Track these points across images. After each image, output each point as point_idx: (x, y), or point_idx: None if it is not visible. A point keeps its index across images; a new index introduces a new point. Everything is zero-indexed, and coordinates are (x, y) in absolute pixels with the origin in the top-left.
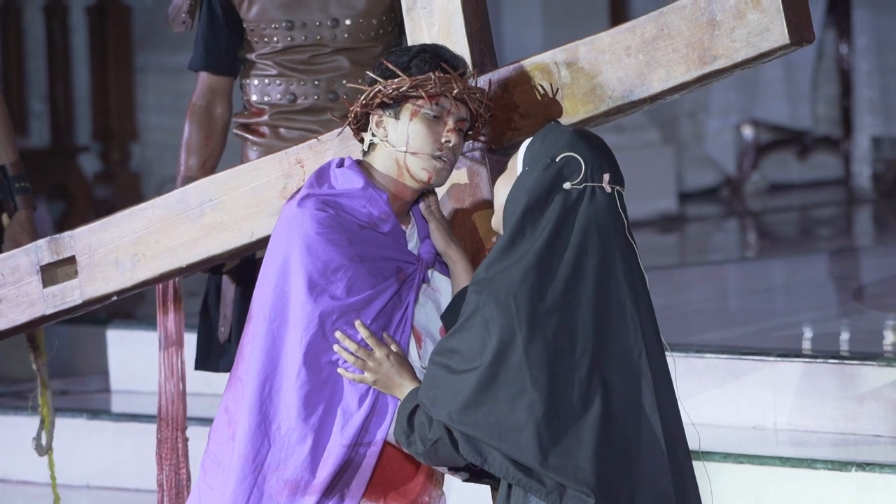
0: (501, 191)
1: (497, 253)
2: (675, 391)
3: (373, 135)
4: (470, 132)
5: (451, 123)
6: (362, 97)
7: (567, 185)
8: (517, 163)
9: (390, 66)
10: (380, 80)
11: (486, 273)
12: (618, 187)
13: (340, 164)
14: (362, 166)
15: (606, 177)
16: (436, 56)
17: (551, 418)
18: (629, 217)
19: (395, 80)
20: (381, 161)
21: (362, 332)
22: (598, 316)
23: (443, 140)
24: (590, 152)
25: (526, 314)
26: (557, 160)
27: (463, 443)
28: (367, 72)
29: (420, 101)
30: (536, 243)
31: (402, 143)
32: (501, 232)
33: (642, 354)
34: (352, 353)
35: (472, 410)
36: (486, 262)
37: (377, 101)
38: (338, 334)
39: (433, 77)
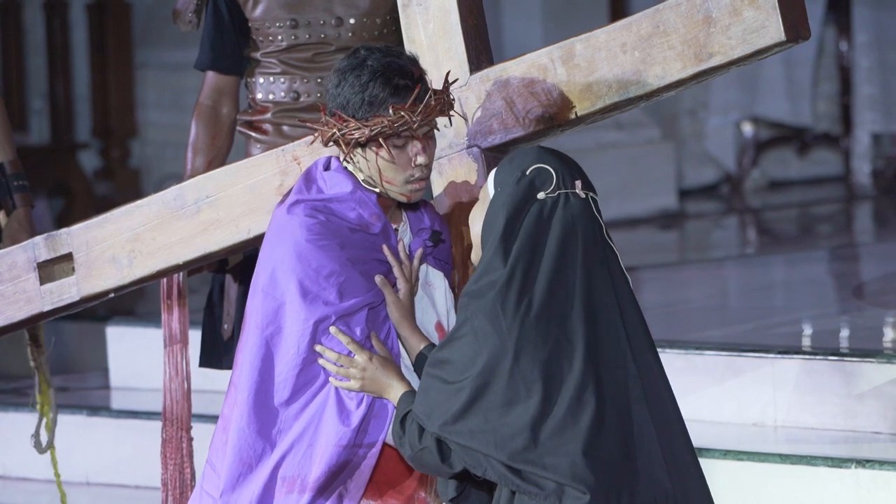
0: (477, 222)
1: (482, 267)
2: (671, 386)
3: (346, 161)
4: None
5: (418, 145)
6: (325, 138)
7: (541, 195)
8: (488, 190)
9: (342, 115)
10: (335, 124)
11: (474, 285)
12: (591, 193)
13: (327, 165)
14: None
15: (578, 183)
16: (388, 80)
17: (545, 422)
18: (607, 220)
19: (350, 124)
20: (361, 172)
21: (342, 340)
22: (586, 318)
23: (413, 164)
24: (558, 162)
25: (515, 322)
26: (528, 173)
27: (461, 454)
28: (322, 113)
29: (377, 146)
30: (518, 253)
31: (375, 176)
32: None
33: (628, 354)
34: (333, 363)
35: (467, 420)
36: (473, 277)
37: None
38: (318, 347)
39: (385, 121)
